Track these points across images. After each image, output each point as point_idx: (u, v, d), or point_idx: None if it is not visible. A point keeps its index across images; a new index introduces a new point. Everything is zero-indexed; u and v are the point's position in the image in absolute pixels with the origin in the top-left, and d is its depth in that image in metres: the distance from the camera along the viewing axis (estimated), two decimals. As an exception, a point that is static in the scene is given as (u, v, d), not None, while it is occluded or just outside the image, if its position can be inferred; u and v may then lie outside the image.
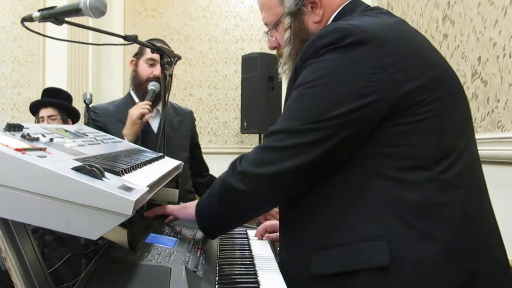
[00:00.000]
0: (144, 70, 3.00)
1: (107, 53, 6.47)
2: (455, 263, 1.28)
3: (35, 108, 3.84)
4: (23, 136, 1.18)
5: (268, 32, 1.70)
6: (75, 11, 1.81)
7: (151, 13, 6.61)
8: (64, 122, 3.81)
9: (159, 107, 2.93)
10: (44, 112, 3.75)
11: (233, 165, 1.44)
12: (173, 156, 2.58)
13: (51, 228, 0.99)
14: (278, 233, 1.77)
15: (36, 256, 1.31)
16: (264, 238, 1.91)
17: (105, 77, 6.52)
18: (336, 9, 1.56)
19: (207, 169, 3.33)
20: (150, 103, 2.84)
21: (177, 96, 6.45)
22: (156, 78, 2.91)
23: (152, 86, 2.91)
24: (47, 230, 2.85)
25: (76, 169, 1.02)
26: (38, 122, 3.74)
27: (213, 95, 6.44)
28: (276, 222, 1.89)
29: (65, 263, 1.73)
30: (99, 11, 1.82)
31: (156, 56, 2.75)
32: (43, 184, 0.96)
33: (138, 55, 3.12)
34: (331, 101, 1.31)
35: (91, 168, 1.03)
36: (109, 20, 6.16)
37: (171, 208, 1.81)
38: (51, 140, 1.28)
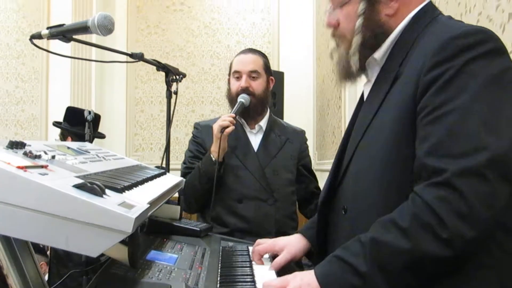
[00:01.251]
0: (233, 85, 2.83)
1: (110, 70, 6.51)
2: None
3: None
4: (25, 154, 1.19)
5: (331, 9, 1.59)
6: (83, 29, 1.83)
7: (154, 30, 6.65)
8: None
9: (262, 123, 2.85)
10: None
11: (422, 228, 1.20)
12: (274, 176, 2.75)
13: (51, 246, 1.00)
14: (281, 256, 1.74)
15: (38, 273, 1.32)
16: (266, 257, 1.87)
17: (108, 94, 6.55)
18: (415, 7, 1.49)
19: (316, 195, 2.85)
20: (233, 115, 2.63)
21: (179, 113, 6.47)
22: (243, 90, 2.75)
23: (241, 98, 2.72)
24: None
25: (77, 186, 1.03)
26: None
27: (215, 111, 6.46)
28: (266, 244, 1.82)
29: (72, 280, 1.73)
30: (107, 29, 1.84)
31: (240, 68, 2.77)
32: (44, 201, 0.97)
33: (229, 73, 2.94)
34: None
35: (91, 185, 1.03)
36: (112, 36, 6.15)
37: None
38: (53, 157, 1.29)
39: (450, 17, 1.50)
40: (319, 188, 2.95)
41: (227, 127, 2.58)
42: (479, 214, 1.15)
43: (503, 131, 1.19)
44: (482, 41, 1.25)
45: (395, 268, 1.21)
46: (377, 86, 1.51)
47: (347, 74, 1.61)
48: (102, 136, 3.99)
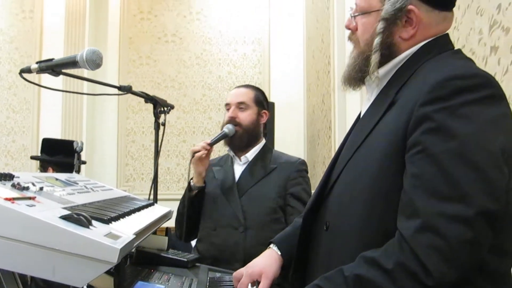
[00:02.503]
0: (225, 116, 2.98)
1: (102, 101, 6.55)
2: None
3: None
4: (13, 185, 1.21)
5: (353, 14, 1.59)
6: (72, 63, 1.87)
7: (146, 61, 6.71)
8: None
9: (249, 154, 2.92)
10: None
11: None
12: (251, 204, 2.78)
13: (38, 276, 1.01)
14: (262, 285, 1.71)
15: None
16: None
17: (99, 125, 6.58)
18: (430, 37, 1.49)
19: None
20: (208, 142, 2.82)
21: (170, 143, 6.49)
22: (230, 120, 2.88)
23: (225, 128, 2.85)
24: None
25: (64, 217, 1.05)
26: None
27: (207, 141, 6.47)
28: (245, 278, 1.76)
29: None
30: (95, 63, 1.87)
31: (230, 100, 2.92)
32: (31, 232, 0.99)
33: None
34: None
35: (78, 216, 1.06)
36: (103, 67, 6.20)
37: None
38: (41, 189, 1.31)
39: (458, 51, 1.50)
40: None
41: (198, 151, 2.76)
42: (464, 262, 1.17)
43: (493, 180, 1.19)
44: (480, 85, 1.25)
45: None
46: (373, 109, 1.52)
47: (355, 81, 1.60)
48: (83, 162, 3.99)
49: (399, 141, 1.32)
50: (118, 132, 6.63)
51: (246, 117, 2.88)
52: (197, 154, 2.76)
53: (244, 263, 2.17)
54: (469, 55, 2.42)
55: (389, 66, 1.51)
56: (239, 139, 2.87)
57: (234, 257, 2.67)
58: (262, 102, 2.98)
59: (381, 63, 1.51)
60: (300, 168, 2.93)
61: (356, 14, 1.56)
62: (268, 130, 5.39)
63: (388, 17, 1.47)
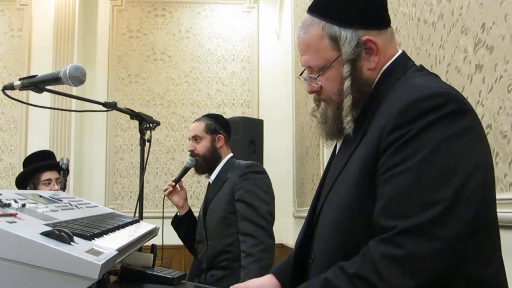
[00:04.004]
0: None
1: (90, 119, 6.54)
2: None
3: (38, 171, 3.65)
4: (-6, 202, 1.20)
5: (312, 77, 1.56)
6: (55, 79, 1.86)
7: (134, 79, 6.72)
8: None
9: (212, 175, 3.27)
10: (51, 175, 3.48)
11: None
12: (209, 218, 3.19)
13: (17, 294, 1.00)
14: None
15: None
16: None
17: (88, 143, 6.56)
18: (389, 58, 1.51)
19: (244, 232, 3.07)
20: (172, 179, 3.32)
21: (159, 160, 6.49)
22: (190, 153, 3.30)
23: (186, 163, 3.31)
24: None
25: (45, 234, 1.04)
26: (36, 186, 3.57)
27: (196, 159, 6.47)
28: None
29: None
30: (78, 80, 1.87)
31: (189, 134, 3.37)
32: (10, 249, 0.98)
33: None
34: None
35: (59, 233, 1.05)
36: (92, 85, 6.27)
37: None
38: (23, 205, 1.30)
39: (421, 68, 1.53)
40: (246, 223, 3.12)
41: (166, 190, 3.31)
42: (423, 272, 1.19)
43: (452, 192, 1.21)
44: (443, 104, 1.27)
45: None
46: (348, 140, 1.52)
47: (337, 133, 1.58)
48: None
49: (370, 167, 1.34)
50: (107, 150, 6.61)
51: (201, 147, 3.27)
52: (165, 192, 3.32)
53: (207, 270, 3.11)
54: (454, 73, 2.44)
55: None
56: (200, 168, 3.29)
57: (206, 265, 3.13)
58: (216, 128, 3.32)
59: (363, 102, 1.50)
60: (243, 172, 3.16)
61: (317, 75, 1.54)
62: (257, 147, 5.41)
63: (352, 57, 1.47)
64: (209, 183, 3.35)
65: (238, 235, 3.10)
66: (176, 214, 3.40)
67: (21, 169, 3.76)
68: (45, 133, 6.13)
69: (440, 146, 1.24)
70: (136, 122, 2.48)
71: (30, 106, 6.07)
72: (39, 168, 3.52)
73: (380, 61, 1.50)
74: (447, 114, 1.27)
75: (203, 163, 3.27)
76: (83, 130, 6.51)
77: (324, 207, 1.52)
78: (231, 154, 3.37)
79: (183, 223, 3.36)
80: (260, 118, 5.91)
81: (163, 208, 3.34)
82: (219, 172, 3.28)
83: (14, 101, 1.84)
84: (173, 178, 3.34)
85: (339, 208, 1.43)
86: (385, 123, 1.33)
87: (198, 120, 3.44)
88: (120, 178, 6.61)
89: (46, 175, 3.46)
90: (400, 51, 1.55)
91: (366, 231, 1.32)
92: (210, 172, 3.31)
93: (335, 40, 1.48)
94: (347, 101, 1.48)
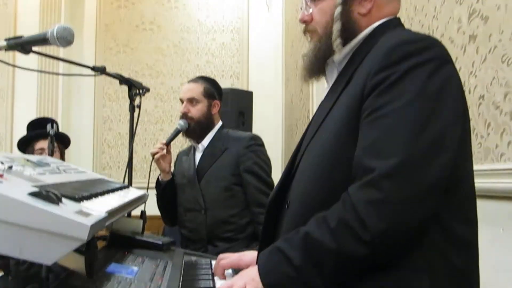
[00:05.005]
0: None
1: (78, 88, 6.46)
2: None
3: (29, 141, 3.50)
4: (-20, 163, 1.17)
5: (307, 2, 1.61)
6: (42, 40, 1.81)
7: (123, 49, 6.63)
8: (61, 152, 3.64)
9: (204, 141, 3.17)
10: (44, 144, 3.35)
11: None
12: (207, 186, 3.07)
13: (4, 254, 0.98)
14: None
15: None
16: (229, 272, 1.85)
17: (75, 112, 6.49)
18: (384, 16, 1.54)
19: (255, 203, 3.07)
20: (163, 142, 3.13)
21: (147, 131, 6.45)
22: (183, 116, 3.14)
23: (178, 124, 3.13)
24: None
25: (32, 194, 1.02)
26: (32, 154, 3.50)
27: (184, 130, 6.45)
28: (230, 260, 1.75)
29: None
30: (66, 40, 1.82)
31: (181, 96, 3.19)
32: (-3, 208, 0.96)
33: None
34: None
35: (47, 193, 1.03)
36: (80, 55, 6.17)
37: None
38: (10, 167, 1.27)
39: (409, 29, 1.54)
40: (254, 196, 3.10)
41: (156, 153, 3.10)
42: (403, 217, 1.19)
43: (434, 136, 1.23)
44: (426, 47, 1.30)
45: (325, 264, 1.25)
46: (332, 90, 1.55)
47: (315, 68, 1.62)
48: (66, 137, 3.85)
49: (354, 111, 1.35)
50: (95, 120, 6.55)
51: (197, 111, 3.13)
52: (156, 156, 3.10)
53: (208, 241, 3.01)
54: (447, 43, 2.43)
55: (345, 50, 1.54)
56: (192, 132, 3.14)
57: (200, 236, 3.03)
58: (213, 94, 3.21)
59: (348, 38, 1.53)
60: (248, 144, 3.12)
61: (310, 3, 1.59)
62: (246, 119, 5.39)
63: None
64: (193, 148, 3.24)
65: (242, 206, 3.06)
66: (158, 180, 3.26)
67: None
68: (32, 102, 6.04)
69: (424, 90, 1.25)
70: (125, 93, 2.45)
71: (16, 74, 6.00)
72: (32, 137, 3.47)
73: (372, 11, 1.53)
74: (432, 58, 1.29)
75: (196, 128, 3.14)
76: (70, 100, 6.43)
77: (305, 155, 1.53)
78: (221, 122, 3.30)
79: (168, 188, 3.23)
80: (250, 90, 5.87)
81: (149, 176, 3.06)
82: (212, 139, 3.18)
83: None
84: (163, 141, 3.16)
85: (320, 152, 1.44)
86: (369, 68, 1.34)
87: (194, 81, 3.27)
88: (108, 148, 6.57)
89: (40, 144, 3.42)
90: (395, 15, 1.57)
91: (345, 176, 1.31)
92: (200, 138, 3.19)
93: None
94: (336, 26, 1.52)
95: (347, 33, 1.52)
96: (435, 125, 1.23)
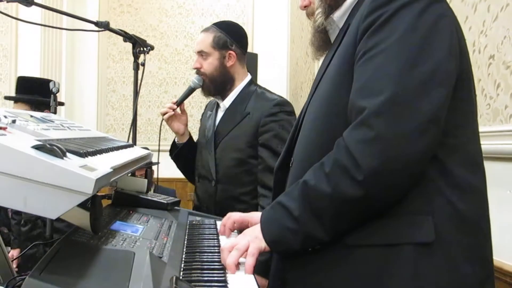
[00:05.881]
0: None
1: (81, 49, 6.43)
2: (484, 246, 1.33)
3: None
4: (-17, 116, 1.15)
5: None
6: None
7: (127, 9, 6.56)
8: None
9: (226, 101, 2.75)
10: (19, 107, 3.41)
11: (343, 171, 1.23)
12: (222, 155, 2.66)
13: (9, 207, 0.97)
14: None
15: (5, 260, 1.30)
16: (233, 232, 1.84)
17: (79, 74, 6.46)
18: None
19: (266, 186, 2.55)
20: (174, 101, 2.78)
21: (151, 93, 6.42)
22: (196, 71, 2.78)
23: (191, 82, 2.79)
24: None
25: (36, 147, 1.00)
26: None
27: (189, 92, 6.42)
28: (239, 217, 1.70)
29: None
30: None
31: (197, 48, 2.75)
32: (1, 161, 0.94)
33: None
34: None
35: (51, 146, 1.01)
36: (83, 15, 6.03)
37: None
38: (14, 121, 1.25)
39: None
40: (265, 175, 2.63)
41: (166, 113, 2.74)
42: (395, 154, 1.18)
43: (426, 71, 1.21)
44: None
45: (324, 211, 1.25)
46: (333, 44, 1.55)
47: (318, 42, 1.63)
48: (60, 104, 3.84)
49: (349, 59, 1.34)
50: (98, 82, 6.53)
51: (207, 66, 2.73)
52: (165, 117, 2.75)
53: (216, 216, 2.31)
54: (458, 2, 2.38)
55: (343, 8, 1.54)
56: (207, 89, 2.76)
57: (209, 210, 2.62)
58: (226, 43, 2.74)
59: (336, 5, 1.54)
60: (272, 111, 2.63)
61: None
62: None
63: None
64: (217, 105, 2.84)
65: (257, 184, 2.62)
66: (174, 142, 2.90)
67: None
68: (35, 62, 6.00)
69: (414, 26, 1.24)
70: (128, 54, 2.42)
71: (19, 32, 5.95)
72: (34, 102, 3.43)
73: None
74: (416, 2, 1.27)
75: (211, 85, 2.73)
76: (74, 62, 6.39)
77: (306, 113, 1.52)
78: (249, 77, 2.84)
79: (184, 153, 2.86)
80: (255, 52, 5.81)
81: (159, 137, 2.76)
82: (235, 98, 2.75)
83: (3, 29, 1.76)
84: (175, 100, 2.80)
85: (317, 106, 1.44)
86: (362, 12, 1.34)
87: (206, 30, 2.81)
88: (112, 110, 6.56)
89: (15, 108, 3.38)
90: None
91: (343, 124, 1.30)
92: (221, 95, 2.78)
93: None
94: (322, 6, 1.54)
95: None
96: (426, 60, 1.22)
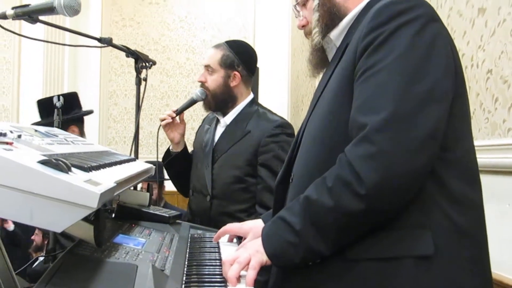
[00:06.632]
0: None
1: (84, 63, 6.47)
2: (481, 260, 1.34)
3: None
4: (-10, 132, 1.18)
5: (297, 9, 1.68)
6: (49, 9, 1.81)
7: (129, 22, 6.61)
8: (80, 131, 3.53)
9: (227, 117, 2.76)
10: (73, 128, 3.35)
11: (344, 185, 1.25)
12: (220, 171, 2.66)
13: (15, 220, 0.99)
14: (247, 239, 1.72)
15: (3, 258, 1.31)
16: (233, 241, 1.89)
17: (81, 87, 6.48)
18: None
19: (261, 203, 2.59)
20: (174, 109, 2.79)
21: (153, 106, 6.45)
22: (201, 84, 2.79)
23: (193, 93, 2.81)
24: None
25: (42, 162, 1.03)
26: None
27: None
28: (233, 226, 1.82)
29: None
30: (73, 9, 1.82)
31: (205, 62, 2.77)
32: (8, 175, 0.97)
33: None
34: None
35: (57, 161, 1.03)
36: (85, 29, 6.14)
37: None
38: (19, 136, 1.28)
39: None
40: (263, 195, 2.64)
41: (164, 120, 2.75)
42: (396, 168, 1.21)
43: (424, 88, 1.25)
44: (413, 6, 1.32)
45: (325, 225, 1.27)
46: (330, 63, 1.59)
47: (315, 60, 1.67)
48: (89, 112, 3.83)
49: (348, 77, 1.38)
50: (100, 95, 6.56)
51: (212, 82, 2.74)
52: (162, 123, 2.76)
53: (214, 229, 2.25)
54: (456, 17, 2.41)
55: (340, 26, 1.57)
56: (208, 104, 2.77)
57: (202, 224, 2.49)
58: (232, 63, 2.75)
59: (332, 24, 1.58)
60: (273, 132, 2.64)
61: (298, 2, 1.66)
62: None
63: None
64: (217, 120, 2.84)
65: (253, 202, 2.62)
66: (168, 150, 2.91)
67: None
68: (38, 75, 6.04)
69: (412, 45, 1.28)
70: (130, 68, 2.44)
71: (22, 47, 5.99)
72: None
73: None
74: (419, 16, 1.31)
75: (212, 101, 2.74)
76: (76, 75, 6.43)
77: (306, 129, 1.55)
78: (251, 96, 2.85)
79: (176, 162, 2.87)
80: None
81: (157, 144, 2.79)
82: (236, 116, 2.76)
83: (6, 42, 1.79)
84: (175, 109, 2.80)
85: (317, 122, 1.47)
86: (361, 32, 1.37)
87: (217, 46, 2.82)
88: (114, 123, 6.59)
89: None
90: None
91: (343, 140, 1.33)
92: (221, 111, 2.79)
93: None
94: (315, 16, 1.58)
95: (332, 19, 1.57)
96: (424, 78, 1.26)
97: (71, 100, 3.55)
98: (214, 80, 2.73)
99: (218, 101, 2.75)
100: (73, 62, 6.31)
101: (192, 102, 2.80)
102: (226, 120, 2.77)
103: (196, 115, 6.24)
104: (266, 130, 2.64)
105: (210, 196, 2.64)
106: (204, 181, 2.69)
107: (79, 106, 3.40)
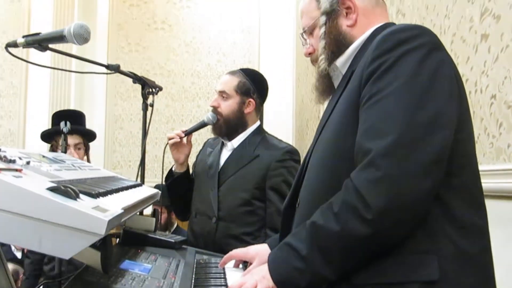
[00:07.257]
0: None
1: (90, 87, 6.51)
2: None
3: (52, 135, 3.44)
4: (-1, 158, 1.19)
5: (304, 37, 1.72)
6: (59, 38, 1.84)
7: (135, 47, 6.67)
8: (86, 148, 3.57)
9: (234, 141, 2.80)
10: (71, 140, 3.32)
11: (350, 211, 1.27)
12: (227, 194, 2.69)
13: (24, 247, 1.00)
14: (253, 265, 1.72)
15: (9, 283, 1.32)
16: (239, 267, 1.90)
17: (87, 111, 6.45)
18: (375, 22, 1.60)
19: (271, 226, 2.63)
20: (183, 130, 2.85)
21: (158, 130, 6.47)
22: (213, 109, 2.81)
23: (205, 116, 2.82)
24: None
25: (51, 189, 1.04)
26: (55, 149, 3.30)
27: (195, 129, 6.47)
28: (239, 251, 1.83)
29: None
30: (83, 38, 1.85)
31: (217, 86, 2.83)
32: (17, 202, 0.98)
33: None
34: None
35: (65, 188, 1.04)
36: (92, 54, 6.21)
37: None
38: (28, 163, 1.29)
39: None
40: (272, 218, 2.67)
41: (172, 138, 2.81)
42: (402, 193, 1.22)
43: (429, 114, 1.26)
44: (418, 35, 1.35)
45: (331, 250, 1.28)
46: (336, 90, 1.61)
47: (322, 88, 1.69)
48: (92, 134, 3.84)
49: (354, 103, 1.40)
50: (106, 119, 6.60)
51: (226, 107, 2.77)
52: (170, 142, 2.81)
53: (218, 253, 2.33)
54: (459, 43, 2.43)
55: (346, 54, 1.61)
56: (218, 129, 2.80)
57: (206, 247, 2.50)
58: (248, 90, 2.81)
59: (338, 52, 1.62)
60: (283, 157, 2.71)
61: (304, 30, 1.70)
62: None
63: (327, 11, 1.61)
64: (222, 143, 2.87)
65: (260, 225, 2.65)
66: (171, 170, 2.94)
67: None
68: (44, 100, 6.08)
69: (418, 72, 1.30)
70: (136, 92, 2.48)
71: (29, 72, 6.04)
72: (53, 133, 3.39)
73: (359, 20, 1.60)
74: (424, 43, 1.34)
75: (223, 126, 2.77)
76: (82, 99, 6.47)
77: (312, 155, 1.57)
78: (258, 123, 2.90)
79: (179, 182, 2.89)
80: (260, 89, 5.87)
81: (162, 168, 2.84)
82: (243, 141, 2.80)
83: (13, 67, 1.83)
84: (184, 129, 2.85)
85: (324, 148, 1.49)
86: (365, 60, 1.40)
87: (232, 73, 2.87)
88: (120, 147, 6.61)
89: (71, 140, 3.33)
90: (388, 21, 1.64)
91: (349, 167, 1.34)
92: (229, 136, 2.81)
93: (318, 1, 1.64)
94: (321, 44, 1.63)
95: (338, 46, 1.60)
96: (429, 104, 1.27)
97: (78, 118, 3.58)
98: (229, 106, 2.77)
99: (230, 126, 2.78)
100: (79, 86, 6.35)
101: (202, 125, 2.83)
102: (233, 143, 2.80)
103: (201, 139, 6.26)
104: (276, 155, 2.70)
105: (216, 218, 2.65)
106: (209, 203, 2.70)
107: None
